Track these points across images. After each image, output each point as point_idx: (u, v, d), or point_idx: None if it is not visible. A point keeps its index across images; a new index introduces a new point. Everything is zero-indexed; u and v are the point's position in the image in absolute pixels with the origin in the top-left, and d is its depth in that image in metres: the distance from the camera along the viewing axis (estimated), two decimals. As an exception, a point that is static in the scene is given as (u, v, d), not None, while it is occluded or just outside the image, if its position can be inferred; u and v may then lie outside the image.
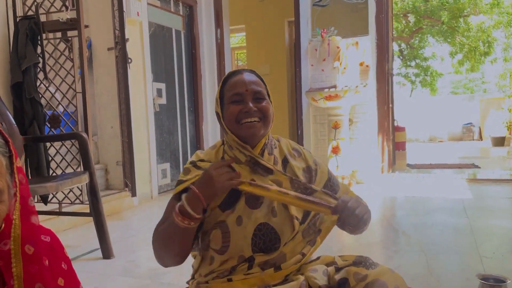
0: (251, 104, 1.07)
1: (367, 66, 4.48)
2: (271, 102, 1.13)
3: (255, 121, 1.07)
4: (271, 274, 1.07)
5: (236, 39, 10.78)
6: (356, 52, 4.48)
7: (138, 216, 3.47)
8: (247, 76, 1.11)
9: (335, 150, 4.24)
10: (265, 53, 8.00)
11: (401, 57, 15.48)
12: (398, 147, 5.40)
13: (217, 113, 1.15)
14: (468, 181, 4.39)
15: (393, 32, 6.91)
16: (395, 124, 5.46)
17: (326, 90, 4.24)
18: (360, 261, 1.07)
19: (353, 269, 1.04)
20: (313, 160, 1.21)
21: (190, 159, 1.18)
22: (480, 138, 10.58)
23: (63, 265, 0.89)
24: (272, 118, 1.12)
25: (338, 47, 4.52)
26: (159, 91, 4.35)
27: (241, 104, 1.08)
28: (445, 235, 2.56)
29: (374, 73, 4.49)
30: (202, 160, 1.14)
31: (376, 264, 1.07)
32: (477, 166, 5.58)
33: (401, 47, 15.14)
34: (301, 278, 1.07)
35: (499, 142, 8.87)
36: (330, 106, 4.23)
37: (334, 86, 4.39)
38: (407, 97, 16.13)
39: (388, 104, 4.75)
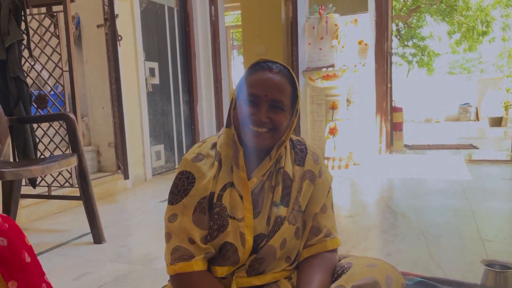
0: (264, 114, 0.96)
1: (366, 44, 4.35)
2: (297, 109, 1.03)
3: (263, 131, 0.97)
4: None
5: (231, 17, 10.55)
6: (355, 30, 4.35)
7: (131, 199, 3.40)
8: (274, 77, 0.97)
9: (333, 131, 4.16)
10: (261, 32, 7.81)
11: (398, 37, 15.29)
12: (395, 127, 5.34)
13: (232, 98, 1.03)
14: (466, 162, 4.33)
15: (392, 11, 6.74)
16: (393, 105, 5.38)
17: (324, 69, 4.13)
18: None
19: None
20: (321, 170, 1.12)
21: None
22: (477, 118, 10.54)
23: (26, 257, 0.82)
24: (286, 129, 1.01)
25: (336, 25, 4.39)
26: (151, 71, 4.22)
27: (255, 108, 0.97)
28: (445, 217, 2.50)
29: (373, 52, 4.37)
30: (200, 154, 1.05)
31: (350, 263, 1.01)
32: (475, 147, 5.53)
33: (399, 26, 14.93)
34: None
35: (496, 122, 8.83)
36: (328, 86, 4.12)
37: (332, 65, 4.27)
38: (404, 77, 16.01)
39: (386, 84, 4.65)
